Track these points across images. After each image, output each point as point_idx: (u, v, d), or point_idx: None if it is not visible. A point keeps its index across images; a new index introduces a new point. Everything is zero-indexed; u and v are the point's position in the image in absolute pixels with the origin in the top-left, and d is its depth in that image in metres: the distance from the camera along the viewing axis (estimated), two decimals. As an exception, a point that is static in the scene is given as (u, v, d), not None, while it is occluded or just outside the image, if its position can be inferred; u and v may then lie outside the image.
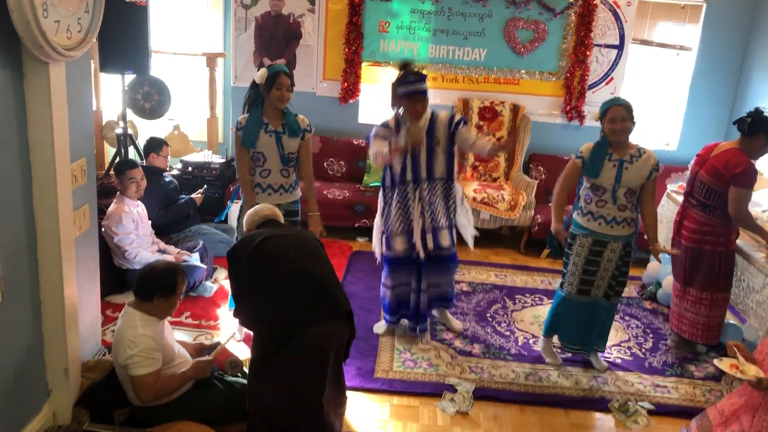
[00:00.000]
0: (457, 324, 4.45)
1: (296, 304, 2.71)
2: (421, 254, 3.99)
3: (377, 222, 4.17)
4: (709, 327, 4.22)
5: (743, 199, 3.90)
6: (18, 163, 2.62)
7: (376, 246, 4.20)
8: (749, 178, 3.87)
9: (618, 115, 3.66)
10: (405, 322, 4.30)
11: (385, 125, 3.94)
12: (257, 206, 3.25)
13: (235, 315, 3.09)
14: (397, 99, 3.88)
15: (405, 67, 3.86)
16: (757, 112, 3.93)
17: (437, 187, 4.00)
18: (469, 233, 4.27)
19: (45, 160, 2.68)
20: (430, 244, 3.99)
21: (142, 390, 2.94)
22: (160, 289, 2.97)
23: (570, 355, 4.16)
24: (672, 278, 4.44)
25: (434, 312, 4.45)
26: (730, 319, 4.79)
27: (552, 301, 4.18)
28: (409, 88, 3.80)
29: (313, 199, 4.13)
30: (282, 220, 3.25)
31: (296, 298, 2.72)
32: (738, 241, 4.28)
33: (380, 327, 4.35)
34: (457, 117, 3.97)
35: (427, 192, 3.97)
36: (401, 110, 3.90)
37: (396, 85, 3.87)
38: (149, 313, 3.00)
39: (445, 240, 4.02)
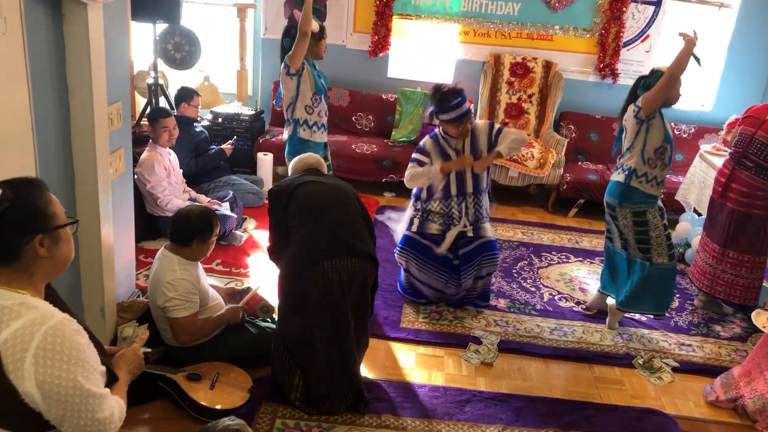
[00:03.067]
0: None
1: (313, 242, 2.91)
2: (443, 249, 3.89)
3: (401, 227, 4.12)
4: (748, 288, 4.20)
5: None
6: (57, 105, 2.66)
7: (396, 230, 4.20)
8: None
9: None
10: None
11: (423, 149, 3.87)
12: (305, 155, 3.46)
13: (268, 249, 3.30)
14: (443, 124, 3.81)
15: (436, 91, 3.73)
16: None
17: (481, 199, 3.94)
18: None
19: (83, 102, 2.72)
20: (443, 249, 3.91)
21: (180, 332, 3.03)
22: (197, 233, 3.04)
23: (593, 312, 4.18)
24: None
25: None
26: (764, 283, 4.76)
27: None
28: (456, 113, 3.70)
29: None
30: (325, 170, 3.42)
31: (315, 237, 2.93)
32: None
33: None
34: (497, 125, 3.90)
35: (472, 206, 3.91)
36: (442, 131, 3.86)
37: (437, 110, 3.76)
38: (186, 257, 3.07)
39: (489, 232, 3.97)
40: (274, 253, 3.22)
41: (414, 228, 3.99)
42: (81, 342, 1.62)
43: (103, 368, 1.75)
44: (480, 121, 3.97)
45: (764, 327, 3.12)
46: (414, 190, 4.02)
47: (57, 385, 1.55)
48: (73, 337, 1.60)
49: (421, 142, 3.91)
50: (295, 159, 3.44)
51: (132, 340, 2.34)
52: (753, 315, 3.28)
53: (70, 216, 1.74)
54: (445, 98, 3.70)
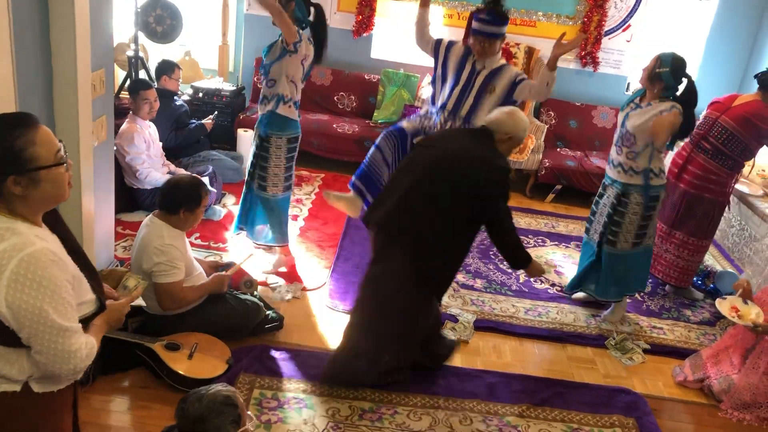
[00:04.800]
0: None
1: (377, 199, 3.10)
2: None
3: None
4: (685, 270, 4.32)
5: None
6: (40, 69, 2.63)
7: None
8: None
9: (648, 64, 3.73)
10: None
11: (449, 43, 3.86)
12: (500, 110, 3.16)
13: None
14: (468, 33, 3.77)
15: (492, 3, 3.64)
16: None
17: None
18: None
19: (67, 66, 2.69)
20: None
21: (165, 298, 3.03)
22: (186, 201, 3.03)
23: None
24: None
25: None
26: (727, 267, 4.88)
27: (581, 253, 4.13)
28: (479, 26, 3.65)
29: None
30: None
31: (381, 195, 3.09)
32: (743, 189, 4.33)
33: (334, 197, 4.05)
34: (521, 76, 3.78)
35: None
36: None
37: (471, 16, 3.73)
38: (174, 226, 3.06)
39: None
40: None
41: (407, 125, 3.88)
42: (55, 273, 1.66)
43: (93, 296, 1.79)
44: (513, 69, 3.81)
45: (733, 317, 3.20)
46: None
47: (24, 310, 1.62)
48: (47, 267, 1.64)
49: (454, 40, 3.89)
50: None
51: (130, 292, 2.34)
52: (717, 303, 3.37)
53: (62, 156, 1.72)
54: (485, 9, 3.62)
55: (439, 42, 3.88)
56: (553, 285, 4.40)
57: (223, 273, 3.30)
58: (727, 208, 4.26)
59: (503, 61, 3.83)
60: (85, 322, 1.82)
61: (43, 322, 1.65)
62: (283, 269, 4.12)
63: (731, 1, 6.16)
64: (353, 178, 3.92)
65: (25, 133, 1.65)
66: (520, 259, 3.12)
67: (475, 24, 3.68)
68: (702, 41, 6.34)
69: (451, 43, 3.88)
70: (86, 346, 1.76)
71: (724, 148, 4.02)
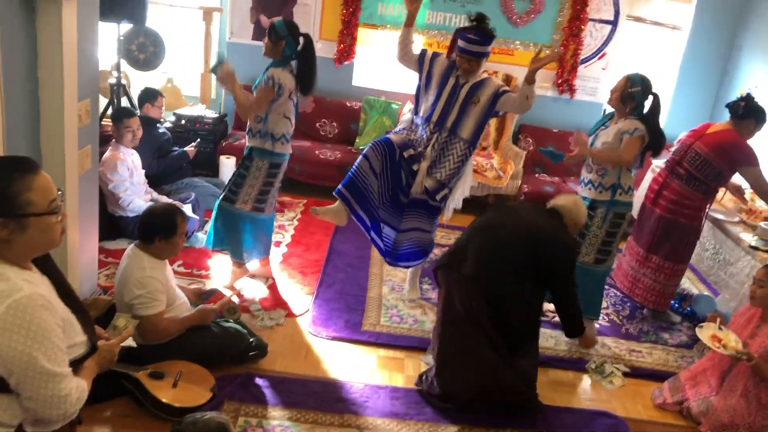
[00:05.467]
0: (414, 293, 4.40)
1: (455, 248, 3.27)
2: (417, 188, 3.88)
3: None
4: (662, 294, 4.40)
5: (762, 176, 4.07)
6: (27, 99, 2.65)
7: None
8: (755, 157, 4.06)
9: (615, 86, 4.00)
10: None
11: (433, 55, 3.91)
12: (569, 196, 3.54)
13: None
14: (452, 48, 3.82)
15: (478, 20, 3.70)
16: (749, 97, 4.12)
17: (455, 145, 3.88)
18: (452, 204, 4.14)
19: (54, 97, 2.72)
20: (418, 186, 3.89)
21: (147, 330, 3.03)
22: (160, 230, 3.03)
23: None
24: None
25: (408, 272, 4.42)
26: (704, 290, 4.98)
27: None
28: (464, 45, 3.68)
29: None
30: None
31: (462, 240, 3.26)
32: (717, 215, 4.44)
33: (323, 211, 4.01)
34: (503, 88, 3.85)
35: (444, 141, 3.87)
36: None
37: (456, 34, 3.77)
38: (154, 255, 3.07)
39: (429, 184, 3.89)
40: None
41: (395, 137, 3.92)
42: (45, 318, 1.66)
43: (84, 338, 1.79)
44: (496, 81, 3.88)
45: (718, 347, 3.27)
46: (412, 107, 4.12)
47: (12, 357, 1.62)
48: (36, 312, 1.63)
49: (439, 53, 3.95)
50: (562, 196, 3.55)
51: (120, 332, 2.35)
52: (697, 330, 3.45)
53: (56, 205, 1.74)
54: (470, 28, 3.68)
55: (423, 54, 3.94)
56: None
57: (209, 307, 3.30)
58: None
59: (485, 75, 3.92)
60: (76, 363, 1.82)
61: (32, 368, 1.63)
62: (241, 286, 4.19)
63: (701, 32, 6.36)
64: (339, 186, 3.90)
65: (22, 177, 1.65)
66: (577, 328, 3.36)
67: (461, 43, 3.72)
68: (675, 69, 6.52)
69: (435, 55, 3.94)
70: (77, 390, 1.76)
71: (698, 174, 4.13)
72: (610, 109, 4.04)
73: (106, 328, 2.48)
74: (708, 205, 4.26)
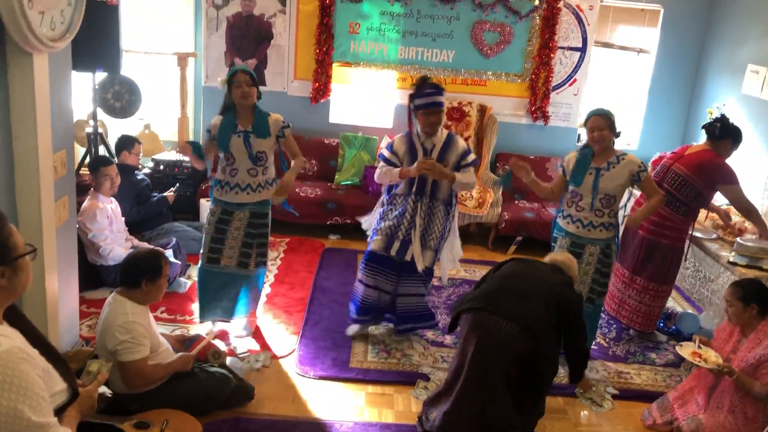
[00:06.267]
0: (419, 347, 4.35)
1: (482, 292, 3.11)
2: (420, 265, 3.99)
3: (371, 216, 4.22)
4: (648, 316, 4.43)
5: (742, 193, 4.14)
6: (1, 152, 2.65)
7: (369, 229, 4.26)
8: (734, 175, 4.13)
9: (595, 125, 3.77)
10: (375, 329, 4.37)
11: (391, 149, 4.00)
12: (566, 255, 3.57)
13: None
14: (413, 111, 3.92)
15: (422, 81, 3.89)
16: (725, 118, 4.22)
17: (438, 208, 4.02)
18: (447, 267, 4.26)
19: (28, 150, 2.72)
20: (409, 257, 4.00)
21: (131, 376, 2.99)
22: (146, 273, 3.02)
23: None
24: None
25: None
26: (688, 308, 5.02)
27: None
28: (426, 100, 3.82)
29: (291, 173, 4.06)
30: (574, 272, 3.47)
31: (485, 289, 3.13)
32: (696, 233, 4.50)
33: (352, 329, 4.32)
34: (471, 157, 4.00)
35: (426, 209, 3.99)
36: (418, 128, 3.95)
37: (412, 97, 3.90)
38: (137, 301, 3.04)
39: (428, 260, 4.04)
40: None
41: (375, 245, 4.05)
42: (26, 370, 1.64)
43: (63, 386, 1.77)
44: (461, 141, 4.04)
45: (699, 362, 3.29)
46: (384, 187, 4.15)
47: None
48: (17, 366, 1.62)
49: (391, 142, 4.05)
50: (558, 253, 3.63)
51: (95, 376, 2.32)
52: (678, 349, 3.48)
53: (29, 244, 1.76)
54: (423, 85, 3.85)
55: (386, 156, 4.02)
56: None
57: (189, 353, 3.27)
58: (684, 256, 4.42)
59: (445, 131, 4.01)
60: (59, 412, 1.80)
61: (19, 422, 1.62)
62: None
63: (668, 55, 6.51)
64: (354, 316, 4.21)
65: (4, 222, 1.67)
66: (580, 373, 3.37)
67: (422, 100, 3.84)
68: (644, 92, 6.66)
69: (390, 146, 4.04)
70: None
71: (678, 194, 4.19)
72: (584, 135, 4.01)
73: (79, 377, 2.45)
74: (690, 226, 4.31)
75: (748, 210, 4.17)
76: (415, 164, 3.87)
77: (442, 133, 3.98)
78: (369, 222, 4.27)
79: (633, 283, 4.40)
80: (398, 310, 4.16)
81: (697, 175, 4.13)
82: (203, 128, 6.48)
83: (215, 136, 3.80)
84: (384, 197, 4.15)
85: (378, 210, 4.18)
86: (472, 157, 4.01)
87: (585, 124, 3.89)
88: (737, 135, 4.20)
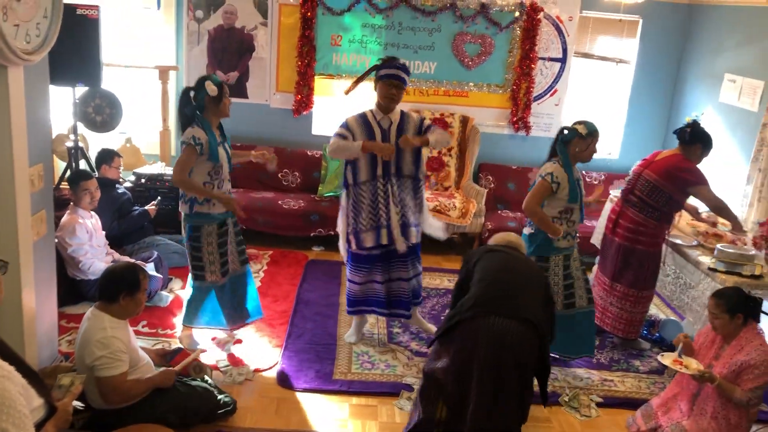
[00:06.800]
0: (429, 326, 4.51)
1: (484, 295, 2.98)
2: (401, 247, 4.03)
3: (341, 221, 4.18)
4: (631, 322, 4.45)
5: (711, 193, 4.19)
6: (-24, 167, 2.63)
7: (342, 246, 4.23)
8: (702, 176, 4.19)
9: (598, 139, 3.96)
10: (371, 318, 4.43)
11: (346, 126, 3.97)
12: (509, 233, 3.59)
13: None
14: (376, 82, 3.94)
15: (392, 58, 3.95)
16: (695, 123, 4.27)
17: (407, 184, 4.08)
18: (436, 228, 4.37)
19: (3, 164, 2.69)
20: (401, 246, 4.05)
21: (110, 391, 2.94)
22: (124, 287, 2.99)
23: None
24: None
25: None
26: (670, 315, 5.04)
27: None
28: (392, 71, 3.87)
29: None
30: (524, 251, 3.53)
31: (486, 291, 3.00)
32: (675, 240, 4.54)
33: (351, 336, 4.35)
34: (427, 121, 4.11)
35: (396, 188, 4.03)
36: (375, 104, 3.98)
37: (379, 66, 3.93)
38: (116, 316, 3.01)
39: (414, 237, 4.13)
40: (451, 306, 3.31)
41: (354, 246, 4.10)
42: (8, 388, 1.63)
43: (40, 401, 1.75)
44: (414, 113, 4.12)
45: (680, 368, 3.30)
46: (342, 180, 4.13)
47: None
48: (0, 384, 1.60)
49: (345, 119, 4.01)
50: (499, 234, 3.59)
51: (67, 389, 2.28)
52: (659, 358, 3.50)
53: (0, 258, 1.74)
54: (394, 59, 3.91)
55: (343, 133, 3.98)
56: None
57: (172, 369, 3.23)
58: (662, 261, 4.46)
59: (398, 110, 4.04)
60: (38, 428, 1.78)
61: None
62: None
63: (647, 65, 6.59)
64: (350, 308, 4.30)
65: None
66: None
67: (388, 70, 3.89)
68: (624, 101, 6.72)
69: (346, 124, 4.01)
70: None
71: (649, 200, 4.23)
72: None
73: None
74: (666, 231, 4.35)
75: (719, 207, 4.23)
76: (383, 145, 3.91)
77: (396, 112, 4.02)
78: (344, 227, 4.22)
79: (613, 290, 4.42)
80: (392, 295, 4.22)
81: (667, 179, 4.18)
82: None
83: (206, 149, 3.69)
84: (343, 192, 4.12)
85: (346, 208, 4.12)
86: (428, 121, 4.14)
87: (587, 138, 3.88)
88: (707, 140, 4.26)
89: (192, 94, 3.73)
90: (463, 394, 2.91)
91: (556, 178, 3.85)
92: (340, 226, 4.21)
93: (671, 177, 4.16)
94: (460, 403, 2.94)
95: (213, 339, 4.14)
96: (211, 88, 3.70)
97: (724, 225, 4.63)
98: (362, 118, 4.00)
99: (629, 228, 4.30)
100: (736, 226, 4.36)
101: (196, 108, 3.73)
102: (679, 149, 4.28)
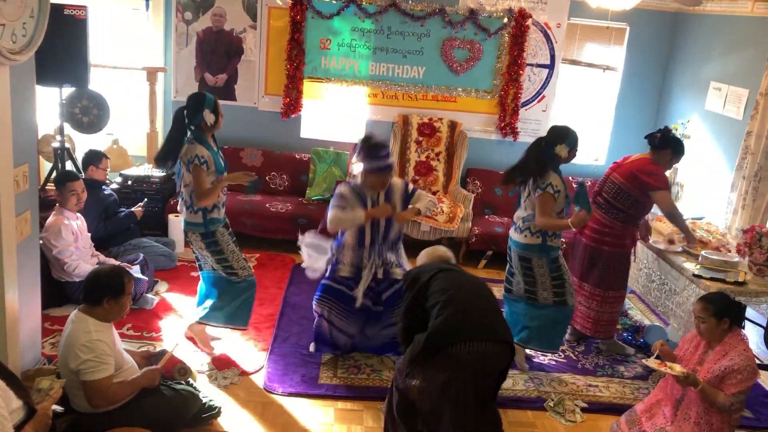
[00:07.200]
0: None
1: (460, 320, 2.94)
2: (358, 304, 4.00)
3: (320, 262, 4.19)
4: (597, 321, 4.49)
5: (668, 198, 4.25)
6: (-41, 168, 2.61)
7: (313, 265, 4.23)
8: (665, 181, 4.24)
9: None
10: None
11: (342, 196, 3.98)
12: (437, 246, 3.59)
13: (397, 328, 3.37)
14: (364, 171, 3.94)
15: (368, 140, 3.94)
16: (666, 129, 4.35)
17: (390, 246, 4.12)
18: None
19: (-13, 164, 2.67)
20: (359, 303, 4.02)
21: (95, 395, 2.91)
22: (108, 291, 2.96)
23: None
24: None
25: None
26: (655, 321, 5.08)
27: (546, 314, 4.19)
28: (380, 164, 3.89)
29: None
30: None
31: (461, 316, 2.95)
32: (659, 246, 4.58)
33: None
34: (410, 186, 4.16)
35: (379, 253, 4.05)
36: (359, 181, 4.00)
37: (365, 157, 3.91)
38: (100, 319, 2.98)
39: (398, 274, 4.06)
40: (404, 337, 3.20)
41: (327, 274, 4.09)
42: None
43: (19, 403, 1.74)
44: (396, 179, 4.14)
45: (667, 370, 3.32)
46: (337, 239, 4.12)
47: None
48: None
49: (338, 189, 4.02)
50: (428, 250, 3.54)
51: (46, 393, 2.26)
52: (644, 362, 3.52)
53: None
54: (376, 148, 3.90)
55: (342, 206, 3.98)
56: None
57: (154, 367, 3.21)
58: (634, 260, 4.54)
59: (388, 179, 4.03)
60: (17, 430, 1.77)
61: None
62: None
63: (634, 72, 6.64)
64: (316, 346, 4.23)
65: None
66: None
67: (377, 163, 3.89)
68: (611, 108, 6.77)
69: (341, 196, 3.99)
70: None
71: (615, 202, 4.29)
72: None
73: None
74: (632, 233, 4.39)
75: (672, 214, 4.29)
76: (384, 206, 3.96)
77: None
78: (310, 258, 4.25)
79: (582, 289, 4.49)
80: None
81: (631, 182, 4.24)
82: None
83: (212, 166, 3.81)
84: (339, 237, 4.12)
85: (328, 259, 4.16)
86: (410, 185, 4.17)
87: (572, 146, 3.98)
88: (677, 146, 4.30)
89: (186, 114, 3.80)
90: (440, 413, 2.95)
91: (556, 187, 3.93)
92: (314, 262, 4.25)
93: (634, 179, 4.23)
94: (436, 421, 2.98)
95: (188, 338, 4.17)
96: (209, 117, 3.79)
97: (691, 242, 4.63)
98: (351, 188, 4.02)
99: (595, 229, 4.37)
100: (689, 237, 4.46)
101: (191, 125, 3.82)
102: (649, 153, 4.33)
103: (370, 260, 4.02)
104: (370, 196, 4.00)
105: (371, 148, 3.89)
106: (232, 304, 4.08)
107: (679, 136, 4.39)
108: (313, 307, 4.12)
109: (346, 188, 4.02)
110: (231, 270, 4.03)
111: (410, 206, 4.05)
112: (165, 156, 3.81)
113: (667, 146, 4.27)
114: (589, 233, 4.40)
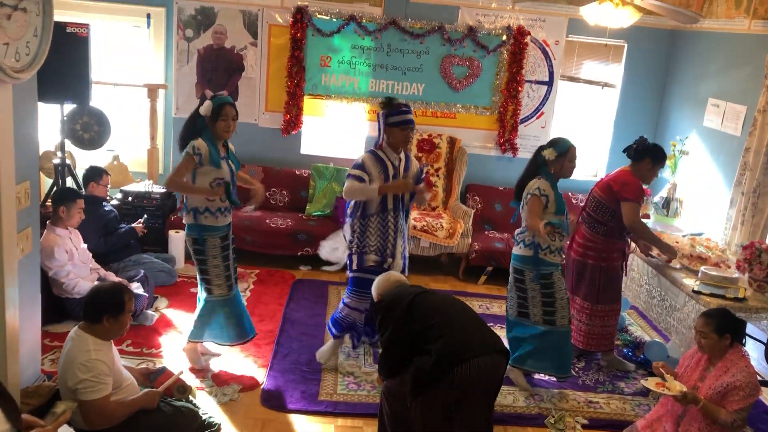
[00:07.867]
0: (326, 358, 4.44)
1: (464, 338, 2.94)
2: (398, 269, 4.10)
3: (346, 239, 4.21)
4: (588, 335, 4.50)
5: (633, 210, 4.23)
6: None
7: (334, 255, 4.37)
8: (635, 193, 4.23)
9: (576, 154, 4.04)
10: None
11: (363, 167, 4.02)
12: (389, 273, 3.55)
13: (380, 359, 3.22)
14: (388, 127, 4.01)
15: (391, 100, 4.05)
16: (642, 139, 4.37)
17: (404, 219, 4.23)
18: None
19: (-11, 181, 2.68)
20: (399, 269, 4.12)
21: (92, 415, 2.89)
22: (108, 309, 2.94)
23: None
24: None
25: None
26: (656, 337, 5.07)
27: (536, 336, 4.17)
28: (403, 117, 4.00)
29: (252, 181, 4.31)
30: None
31: (461, 335, 2.95)
32: (658, 262, 4.59)
33: (323, 355, 4.30)
34: (425, 173, 4.31)
35: (401, 220, 4.18)
36: (383, 141, 4.06)
37: (387, 114, 4.00)
38: (100, 337, 2.96)
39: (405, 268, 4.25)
40: (391, 366, 3.14)
41: (354, 266, 4.11)
42: None
43: (5, 427, 1.73)
44: (414, 159, 4.31)
45: (662, 390, 3.31)
46: (348, 210, 4.18)
47: None
48: None
49: (359, 158, 4.09)
50: (382, 278, 3.45)
51: (58, 417, 2.24)
52: (643, 382, 3.51)
53: None
54: (399, 105, 4.03)
55: (357, 175, 4.04)
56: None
57: (156, 390, 3.18)
58: (625, 274, 4.55)
59: (411, 135, 4.18)
60: None
61: None
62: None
63: (632, 89, 6.68)
64: (334, 330, 4.25)
65: None
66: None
67: (398, 117, 3.99)
68: (610, 124, 6.80)
69: (360, 164, 4.05)
70: None
71: (596, 215, 4.34)
72: None
73: (44, 416, 2.38)
74: (619, 247, 4.39)
75: (635, 229, 4.28)
76: (401, 182, 4.07)
77: (400, 151, 4.17)
78: (331, 250, 4.33)
79: (573, 302, 4.51)
80: None
81: (606, 194, 4.28)
82: (174, 159, 6.46)
83: (207, 159, 3.76)
84: (351, 220, 4.14)
85: (351, 233, 4.15)
86: (424, 171, 4.40)
87: (562, 154, 3.99)
88: (656, 154, 4.30)
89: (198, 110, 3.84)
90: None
91: (543, 191, 3.95)
92: (332, 248, 4.34)
93: (608, 190, 4.28)
94: None
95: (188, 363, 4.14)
96: (204, 107, 3.78)
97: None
98: (375, 156, 4.07)
99: (580, 243, 4.43)
100: (662, 248, 4.47)
101: (201, 125, 3.81)
102: (629, 167, 4.36)
103: (396, 235, 4.12)
104: (392, 160, 4.07)
105: (395, 105, 4.02)
106: (212, 322, 4.04)
107: (657, 143, 4.41)
108: (345, 302, 4.18)
109: (367, 156, 4.08)
110: (207, 284, 3.98)
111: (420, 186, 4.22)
112: (179, 137, 3.89)
113: (645, 156, 4.28)
114: (576, 247, 4.45)
